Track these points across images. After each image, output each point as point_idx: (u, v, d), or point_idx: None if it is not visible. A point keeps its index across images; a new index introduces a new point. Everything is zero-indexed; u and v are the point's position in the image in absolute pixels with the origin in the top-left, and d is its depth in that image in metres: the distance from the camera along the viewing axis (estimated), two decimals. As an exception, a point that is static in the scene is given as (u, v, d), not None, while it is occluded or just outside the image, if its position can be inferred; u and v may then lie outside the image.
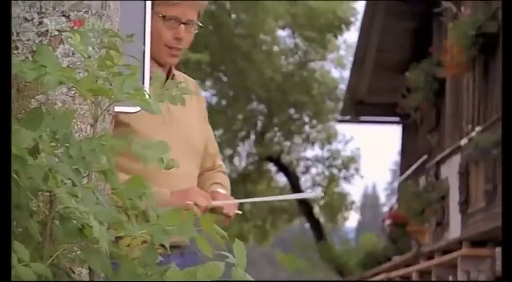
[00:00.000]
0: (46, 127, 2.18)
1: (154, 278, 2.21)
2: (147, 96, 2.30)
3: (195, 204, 3.51)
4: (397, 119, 26.95)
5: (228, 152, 29.87)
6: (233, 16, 25.62)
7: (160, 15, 3.66)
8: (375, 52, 25.03)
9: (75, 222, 2.11)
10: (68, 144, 2.19)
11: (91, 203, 2.12)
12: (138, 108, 2.62)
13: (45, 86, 2.25)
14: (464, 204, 20.36)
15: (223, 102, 28.35)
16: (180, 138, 3.68)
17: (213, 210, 3.61)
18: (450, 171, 21.69)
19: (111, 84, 2.28)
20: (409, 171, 25.63)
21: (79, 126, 2.59)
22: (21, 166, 2.08)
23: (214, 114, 28.63)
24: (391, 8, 23.50)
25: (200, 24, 3.81)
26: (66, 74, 2.25)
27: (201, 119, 3.92)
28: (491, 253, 14.95)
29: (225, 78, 27.36)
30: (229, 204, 3.69)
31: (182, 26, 3.70)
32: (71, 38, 2.32)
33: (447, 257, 16.24)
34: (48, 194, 2.20)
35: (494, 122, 18.55)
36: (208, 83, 27.72)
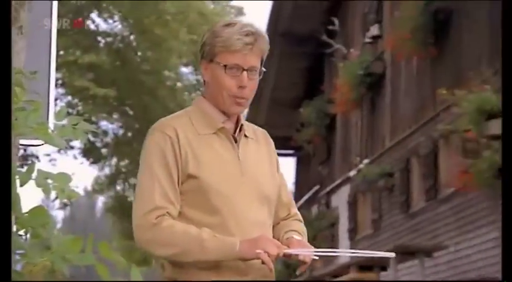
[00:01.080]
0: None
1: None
2: (50, 130, 2.27)
3: (266, 252, 3.23)
4: (291, 151, 27.10)
5: (133, 181, 29.97)
6: (139, 53, 25.53)
7: (221, 64, 3.34)
8: (270, 90, 25.09)
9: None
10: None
11: None
12: (41, 142, 2.50)
13: None
14: (352, 231, 20.57)
15: (129, 134, 28.35)
16: (252, 187, 3.39)
17: (289, 257, 3.36)
18: (340, 200, 21.89)
19: (16, 119, 2.24)
20: (302, 201, 25.74)
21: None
22: None
23: (121, 146, 28.62)
24: (286, 49, 23.59)
25: (264, 69, 3.47)
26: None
27: (273, 168, 3.57)
28: (376, 277, 15.07)
29: (131, 112, 27.29)
30: (304, 251, 3.40)
31: (245, 73, 3.34)
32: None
33: (337, 280, 16.32)
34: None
35: (380, 155, 18.77)
36: (115, 116, 27.64)
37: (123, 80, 24.98)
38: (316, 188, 24.37)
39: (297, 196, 27.16)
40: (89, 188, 39.09)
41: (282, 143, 26.44)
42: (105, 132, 28.58)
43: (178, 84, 27.98)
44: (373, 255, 3.29)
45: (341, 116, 21.72)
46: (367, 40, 19.48)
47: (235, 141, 3.41)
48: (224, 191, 3.33)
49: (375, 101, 19.38)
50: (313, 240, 23.10)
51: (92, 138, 27.97)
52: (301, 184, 27.14)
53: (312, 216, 23.82)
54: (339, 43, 20.96)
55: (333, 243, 22.12)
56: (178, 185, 3.31)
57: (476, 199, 13.67)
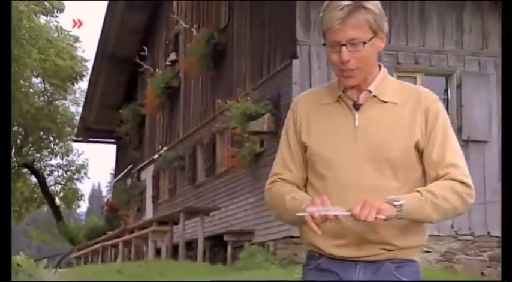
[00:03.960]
0: None
1: None
2: None
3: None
4: (114, 140, 26.70)
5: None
6: (1, 68, 24.51)
7: (326, 43, 2.54)
8: (99, 95, 24.66)
9: None
10: None
11: None
12: None
13: None
14: (155, 197, 20.46)
15: (-7, 126, 27.24)
16: (366, 152, 2.50)
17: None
18: (147, 175, 21.73)
19: None
20: (120, 175, 25.44)
21: None
22: None
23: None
24: (111, 67, 23.24)
25: (371, 35, 2.50)
26: None
27: (412, 130, 2.53)
28: (171, 229, 15.03)
29: (-5, 110, 26.30)
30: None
31: (343, 48, 2.48)
32: None
33: (143, 231, 16.18)
34: None
35: (175, 144, 18.74)
36: (-18, 113, 26.57)
37: (-11, 86, 23.99)
38: (130, 166, 24.12)
39: (118, 172, 26.84)
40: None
41: (107, 134, 26.15)
42: (-26, 124, 27.41)
43: (31, 90, 27.15)
44: (340, 213, 2.35)
45: (149, 116, 21.59)
46: (168, 63, 19.44)
47: (357, 109, 2.56)
48: (329, 158, 2.53)
49: (172, 106, 19.33)
50: (127, 203, 22.95)
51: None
52: (120, 164, 26.78)
53: (128, 186, 23.60)
54: (148, 64, 20.79)
55: (142, 205, 21.98)
56: (301, 152, 2.60)
57: (241, 176, 13.84)
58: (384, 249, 2.49)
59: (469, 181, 2.53)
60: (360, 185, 2.48)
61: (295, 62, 11.81)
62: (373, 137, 2.51)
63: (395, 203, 2.39)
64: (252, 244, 12.48)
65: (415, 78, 12.08)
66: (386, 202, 2.39)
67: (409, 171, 2.52)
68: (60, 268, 17.70)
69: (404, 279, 2.50)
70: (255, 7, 13.88)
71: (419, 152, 2.54)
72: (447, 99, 12.21)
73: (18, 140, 28.87)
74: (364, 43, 2.48)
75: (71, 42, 27.14)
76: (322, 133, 2.58)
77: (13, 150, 28.82)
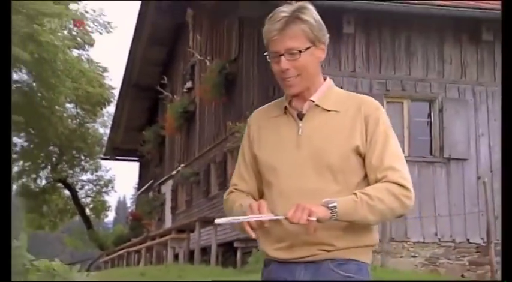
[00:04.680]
0: None
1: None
2: None
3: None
4: (137, 158, 26.73)
5: (33, 176, 29.01)
6: (39, 94, 24.58)
7: (268, 54, 2.37)
8: (125, 119, 24.73)
9: None
10: None
11: None
12: None
13: None
14: (174, 208, 20.44)
15: (31, 146, 27.35)
16: (308, 158, 2.31)
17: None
18: (167, 189, 21.71)
19: None
20: (143, 189, 25.44)
21: None
22: None
23: (25, 153, 27.54)
24: (135, 93, 23.33)
25: (308, 45, 2.34)
26: None
27: (352, 136, 2.34)
28: (187, 236, 14.99)
29: (32, 131, 26.33)
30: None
31: (282, 57, 2.31)
32: None
33: (163, 239, 16.15)
34: None
35: (191, 162, 18.73)
36: (22, 134, 26.65)
37: (28, 112, 24.02)
38: (152, 181, 24.13)
39: (140, 187, 26.82)
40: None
41: (132, 154, 26.17)
42: (15, 144, 27.46)
43: (65, 114, 27.26)
44: (268, 218, 2.17)
45: (169, 137, 21.60)
46: (185, 90, 19.48)
47: (301, 119, 2.38)
48: (274, 165, 2.36)
49: (189, 128, 19.35)
50: (150, 214, 22.91)
51: (6, 148, 26.83)
52: (143, 179, 26.79)
53: (149, 198, 23.58)
54: (168, 92, 20.85)
55: (162, 215, 21.94)
56: (255, 164, 2.44)
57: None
58: (322, 250, 2.30)
59: (407, 183, 2.31)
60: (301, 189, 2.30)
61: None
62: (315, 143, 2.34)
63: (329, 205, 2.21)
64: (259, 250, 12.42)
65: (402, 103, 12.08)
66: (322, 205, 2.22)
67: (348, 175, 2.33)
68: (90, 271, 17.68)
69: (343, 273, 2.29)
70: (262, 42, 13.92)
71: (361, 157, 2.35)
72: (430, 121, 12.19)
73: (54, 158, 29.02)
74: (300, 52, 2.32)
75: (100, 72, 27.23)
76: (270, 143, 2.41)
77: (49, 167, 29.06)
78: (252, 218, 2.22)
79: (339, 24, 11.59)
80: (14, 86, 24.44)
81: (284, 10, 2.33)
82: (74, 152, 29.24)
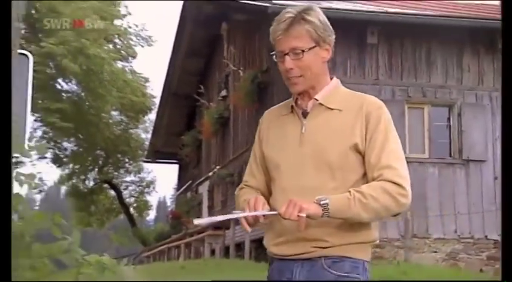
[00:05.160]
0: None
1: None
2: (26, 145, 2.15)
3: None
4: (177, 161, 26.86)
5: (81, 177, 29.35)
6: (87, 103, 24.89)
7: (275, 54, 2.28)
8: (165, 124, 24.86)
9: None
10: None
11: None
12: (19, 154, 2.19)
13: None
14: (210, 207, 20.50)
15: (80, 149, 27.64)
16: (309, 156, 2.21)
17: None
18: (204, 189, 21.77)
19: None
20: (182, 189, 25.53)
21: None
22: None
23: (75, 156, 27.88)
24: (174, 101, 23.46)
25: (312, 45, 2.23)
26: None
27: (352, 134, 2.21)
28: (223, 233, 15.02)
29: (81, 137, 26.64)
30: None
31: (286, 56, 2.22)
32: None
33: (200, 235, 16.20)
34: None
35: (226, 164, 18.78)
36: (71, 139, 26.95)
37: (78, 119, 24.32)
38: (190, 182, 24.22)
39: (179, 187, 26.97)
40: (56, 181, 37.72)
41: (171, 157, 26.33)
42: (66, 149, 27.79)
43: (111, 121, 27.52)
44: (260, 213, 2.09)
45: (205, 140, 21.66)
46: (220, 98, 19.53)
47: (305, 117, 2.28)
48: (278, 162, 2.26)
49: (224, 132, 19.40)
50: (188, 212, 23.02)
51: (57, 152, 27.16)
52: (182, 180, 26.91)
53: (188, 198, 23.68)
54: (204, 99, 20.94)
55: (199, 214, 22.03)
56: (264, 161, 2.35)
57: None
58: (317, 246, 2.16)
59: (403, 182, 2.16)
60: (300, 186, 2.19)
61: (323, 97, 11.79)
62: (316, 141, 2.23)
63: (321, 202, 2.10)
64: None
65: (423, 108, 12.00)
66: (315, 202, 2.10)
67: (346, 173, 2.19)
68: (134, 265, 17.81)
69: (335, 272, 2.14)
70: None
71: (361, 155, 2.21)
72: (450, 125, 12.09)
73: (101, 161, 29.31)
74: (303, 51, 2.21)
75: (142, 82, 27.49)
76: (276, 141, 2.32)
77: (96, 169, 29.36)
78: (241, 214, 2.12)
79: (363, 35, 11.57)
80: (64, 95, 24.81)
81: (290, 11, 2.24)
82: (119, 155, 29.53)
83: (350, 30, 11.53)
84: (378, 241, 2.26)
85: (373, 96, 2.33)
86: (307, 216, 2.07)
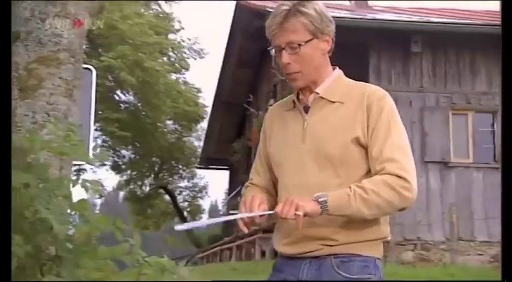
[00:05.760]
0: (34, 172, 2.08)
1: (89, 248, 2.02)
2: (89, 156, 2.20)
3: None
4: (228, 167, 27.02)
5: (139, 183, 29.85)
6: (143, 113, 25.31)
7: (272, 49, 2.11)
8: (216, 132, 25.06)
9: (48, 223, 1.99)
10: (46, 182, 2.08)
11: (57, 213, 1.99)
12: (83, 162, 2.37)
13: (34, 149, 2.15)
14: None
15: (137, 157, 28.10)
16: (312, 151, 2.04)
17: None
18: (254, 194, 21.83)
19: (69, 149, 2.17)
20: (232, 194, 25.64)
21: (52, 171, 2.45)
22: (19, 194, 1.98)
23: (132, 163, 28.36)
24: (225, 110, 23.64)
25: (309, 37, 2.04)
26: (45, 144, 2.16)
27: (353, 127, 2.02)
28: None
29: (138, 145, 27.08)
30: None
31: (283, 52, 2.04)
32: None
33: (251, 238, 16.22)
34: (33, 207, 2.07)
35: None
36: (129, 147, 27.42)
37: (135, 128, 24.75)
38: (240, 187, 24.27)
39: (230, 192, 27.10)
40: (115, 187, 38.39)
41: (223, 163, 26.51)
42: (124, 156, 28.27)
43: (165, 129, 27.91)
44: (255, 214, 1.97)
45: (254, 147, 21.61)
46: (268, 107, 19.56)
47: (307, 112, 2.11)
48: (280, 160, 2.12)
49: (273, 140, 19.42)
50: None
51: (116, 160, 27.66)
52: (232, 185, 27.04)
53: (238, 202, 23.74)
54: (253, 108, 21.04)
55: (250, 217, 22.09)
56: (268, 160, 2.21)
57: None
58: (324, 244, 2.01)
59: (406, 175, 1.96)
60: (301, 184, 2.03)
61: (369, 104, 11.75)
62: (317, 136, 2.05)
63: (320, 200, 1.94)
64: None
65: (467, 115, 11.81)
66: (313, 199, 1.94)
67: (350, 168, 2.01)
68: (189, 266, 17.98)
69: (344, 273, 2.00)
70: (333, 60, 13.86)
71: (364, 148, 2.02)
72: (494, 131, 11.88)
73: (156, 168, 29.74)
74: (300, 45, 2.02)
75: (195, 93, 27.79)
76: (279, 138, 2.15)
77: (152, 175, 29.80)
78: (236, 216, 2.01)
79: (407, 44, 11.50)
80: (122, 106, 25.28)
81: (285, 3, 2.06)
82: (173, 162, 29.91)
83: (394, 39, 11.49)
84: (389, 237, 2.08)
85: (376, 86, 2.12)
86: (306, 215, 1.93)
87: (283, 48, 2.04)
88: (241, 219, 2.01)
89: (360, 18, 12.01)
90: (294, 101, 2.15)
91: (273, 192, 2.19)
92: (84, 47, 2.91)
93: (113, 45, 20.98)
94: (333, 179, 2.01)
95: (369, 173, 2.02)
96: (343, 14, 12.28)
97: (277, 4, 2.07)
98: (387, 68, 11.74)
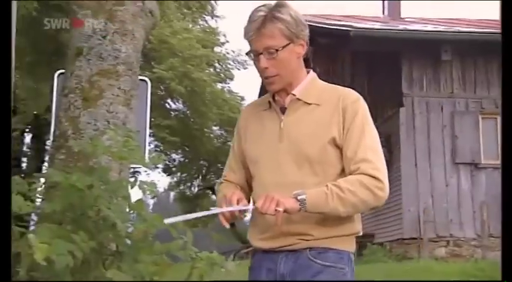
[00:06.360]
0: (96, 175, 2.12)
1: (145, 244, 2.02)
2: (145, 160, 2.23)
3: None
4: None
5: (188, 184, 30.13)
6: (191, 120, 25.54)
7: (250, 54, 2.05)
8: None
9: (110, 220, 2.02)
10: (107, 184, 2.12)
11: (118, 212, 2.02)
12: (140, 166, 2.33)
13: (96, 154, 2.19)
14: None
15: (186, 160, 28.38)
16: (289, 151, 2.00)
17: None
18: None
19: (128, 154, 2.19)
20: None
21: (112, 174, 2.49)
22: (83, 195, 2.02)
23: (182, 166, 28.65)
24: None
25: (286, 42, 1.99)
26: (106, 149, 2.19)
27: (329, 128, 2.01)
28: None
29: (187, 149, 27.35)
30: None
31: (261, 56, 1.99)
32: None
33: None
34: (96, 207, 2.11)
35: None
36: (179, 151, 27.72)
37: (184, 133, 25.04)
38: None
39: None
40: (166, 188, 38.84)
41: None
42: (174, 160, 28.61)
43: (211, 135, 28.12)
44: (235, 209, 1.95)
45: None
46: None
47: (283, 112, 2.07)
48: (256, 158, 2.07)
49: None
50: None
51: (167, 163, 28.00)
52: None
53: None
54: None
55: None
56: (243, 156, 2.15)
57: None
58: (301, 239, 1.98)
59: (380, 175, 1.95)
60: (279, 182, 1.98)
61: (402, 109, 11.62)
62: (295, 136, 2.01)
63: (298, 197, 1.90)
64: (373, 244, 12.22)
65: (496, 119, 11.58)
66: (292, 196, 1.91)
67: (326, 167, 1.98)
68: (236, 260, 18.03)
69: (320, 261, 1.97)
70: (372, 72, 13.76)
71: (339, 149, 1.99)
72: (522, 134, 11.60)
73: (204, 170, 30.00)
74: (277, 50, 1.97)
75: (239, 101, 27.93)
76: (254, 137, 2.10)
77: (200, 177, 30.05)
78: (217, 210, 1.98)
79: (437, 53, 11.36)
80: (172, 113, 25.58)
81: (261, 9, 2.01)
82: (219, 165, 30.08)
83: (425, 48, 11.37)
84: (361, 233, 2.06)
85: (350, 89, 2.10)
86: (285, 211, 1.90)
87: (261, 53, 2.00)
88: (222, 213, 1.98)
89: (393, 30, 11.89)
90: (269, 102, 2.11)
91: (246, 189, 2.16)
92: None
93: (164, 58, 21.31)
94: (310, 178, 1.98)
95: (343, 172, 2.00)
96: (377, 25, 12.18)
97: (255, 9, 2.02)
98: (419, 76, 11.61)
